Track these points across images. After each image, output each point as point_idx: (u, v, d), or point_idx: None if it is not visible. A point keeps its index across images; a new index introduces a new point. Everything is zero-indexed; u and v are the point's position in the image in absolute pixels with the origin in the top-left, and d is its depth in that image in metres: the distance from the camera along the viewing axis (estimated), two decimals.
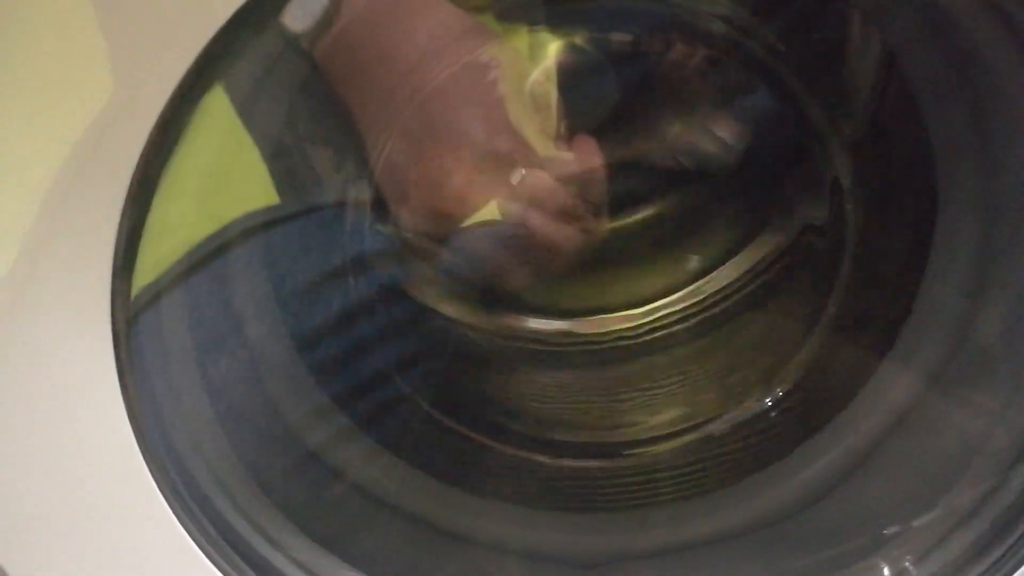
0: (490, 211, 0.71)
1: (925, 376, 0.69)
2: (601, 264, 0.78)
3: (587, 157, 0.72)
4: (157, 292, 0.58)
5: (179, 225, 0.60)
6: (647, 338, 0.81)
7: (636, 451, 0.77)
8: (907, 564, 0.62)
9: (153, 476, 0.54)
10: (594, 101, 0.74)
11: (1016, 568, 0.58)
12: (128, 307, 0.53)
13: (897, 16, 0.65)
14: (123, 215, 0.50)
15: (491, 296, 0.78)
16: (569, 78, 0.72)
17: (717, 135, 0.77)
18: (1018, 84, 0.58)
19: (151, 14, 0.46)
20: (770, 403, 0.76)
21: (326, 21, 0.60)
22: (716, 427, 0.76)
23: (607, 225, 0.75)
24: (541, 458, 0.75)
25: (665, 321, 0.81)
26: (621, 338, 0.81)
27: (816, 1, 0.68)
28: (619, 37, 0.74)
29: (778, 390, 0.76)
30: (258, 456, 0.63)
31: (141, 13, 0.46)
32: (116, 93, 0.47)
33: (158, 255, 0.57)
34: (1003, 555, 0.59)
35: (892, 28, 0.67)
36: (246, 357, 0.67)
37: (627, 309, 0.81)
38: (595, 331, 0.81)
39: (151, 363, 0.57)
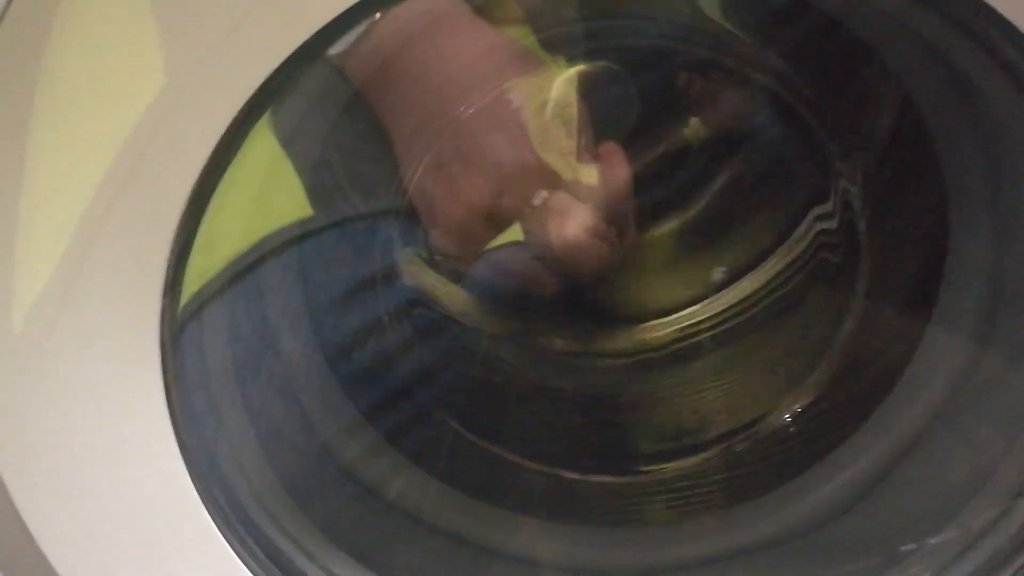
0: (515, 233, 0.72)
1: (941, 394, 0.70)
2: (627, 275, 0.79)
3: (614, 166, 0.72)
4: (199, 305, 0.59)
5: (219, 241, 0.61)
6: (671, 349, 0.81)
7: (661, 466, 0.78)
8: None
9: (198, 492, 0.54)
10: (616, 117, 0.74)
11: None
12: (174, 323, 0.54)
13: (900, 49, 0.65)
14: (175, 237, 0.51)
15: (518, 309, 0.79)
16: (592, 95, 0.73)
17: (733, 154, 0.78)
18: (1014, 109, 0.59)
19: (214, 49, 0.47)
20: (789, 419, 0.77)
21: (359, 42, 0.61)
22: (737, 442, 0.77)
23: (633, 238, 0.76)
24: (568, 474, 0.76)
25: (689, 332, 0.82)
26: (646, 350, 0.81)
27: (824, 33, 0.69)
28: (643, 62, 0.75)
29: (797, 406, 0.77)
30: (296, 473, 0.64)
31: (204, 47, 0.47)
32: (175, 122, 0.48)
33: (199, 270, 0.58)
34: (1016, 572, 0.60)
35: (897, 59, 0.67)
36: (282, 373, 0.68)
37: (652, 319, 0.82)
38: (621, 343, 0.82)
39: (193, 379, 0.58)
